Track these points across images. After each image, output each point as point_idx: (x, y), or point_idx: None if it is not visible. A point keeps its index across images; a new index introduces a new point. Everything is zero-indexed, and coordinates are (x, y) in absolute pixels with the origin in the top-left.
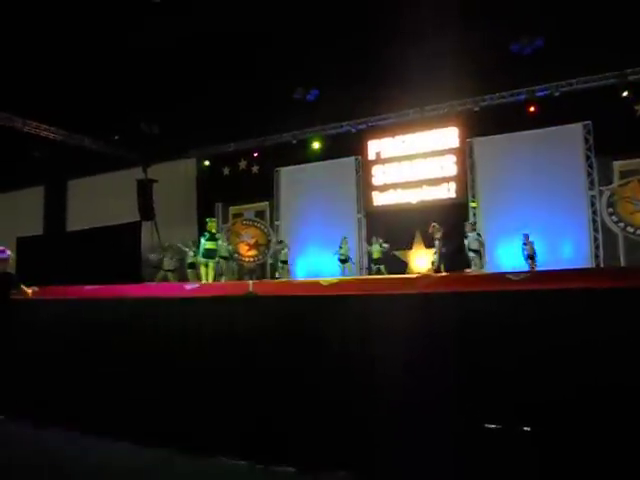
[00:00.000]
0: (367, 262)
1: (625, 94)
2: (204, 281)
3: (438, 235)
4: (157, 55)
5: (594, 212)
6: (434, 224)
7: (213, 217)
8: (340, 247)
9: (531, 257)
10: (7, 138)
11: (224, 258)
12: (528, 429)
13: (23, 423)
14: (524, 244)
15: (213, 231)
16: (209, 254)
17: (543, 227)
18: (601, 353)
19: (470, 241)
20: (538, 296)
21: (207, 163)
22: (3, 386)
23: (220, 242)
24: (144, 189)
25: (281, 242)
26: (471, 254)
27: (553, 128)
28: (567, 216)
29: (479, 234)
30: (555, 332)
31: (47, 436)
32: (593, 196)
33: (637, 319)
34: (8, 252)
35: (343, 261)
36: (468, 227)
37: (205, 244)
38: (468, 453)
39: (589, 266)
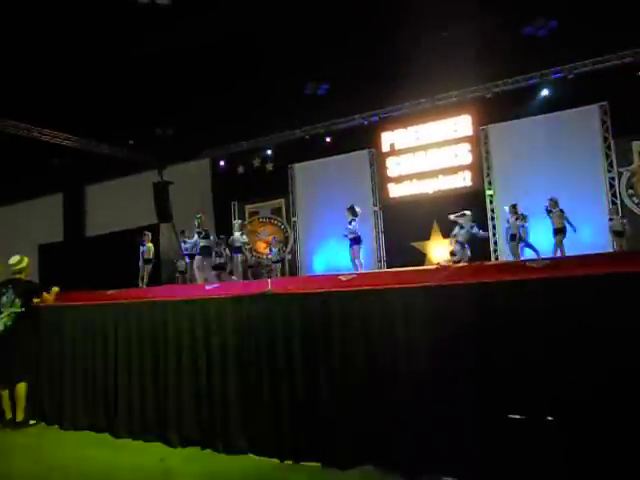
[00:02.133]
0: (384, 255)
1: None
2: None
3: (462, 221)
4: (167, 57)
5: (613, 194)
6: (465, 212)
7: (232, 216)
8: (349, 224)
9: (559, 231)
10: (25, 148)
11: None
12: (551, 419)
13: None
14: (549, 212)
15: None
16: (206, 252)
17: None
18: (627, 340)
19: (512, 225)
20: (559, 283)
21: (222, 163)
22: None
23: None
24: (160, 191)
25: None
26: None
27: (569, 111)
28: (586, 200)
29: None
30: (578, 319)
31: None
32: (612, 178)
33: None
34: (26, 260)
35: (355, 241)
36: (511, 210)
37: (201, 242)
38: (492, 443)
39: (610, 250)
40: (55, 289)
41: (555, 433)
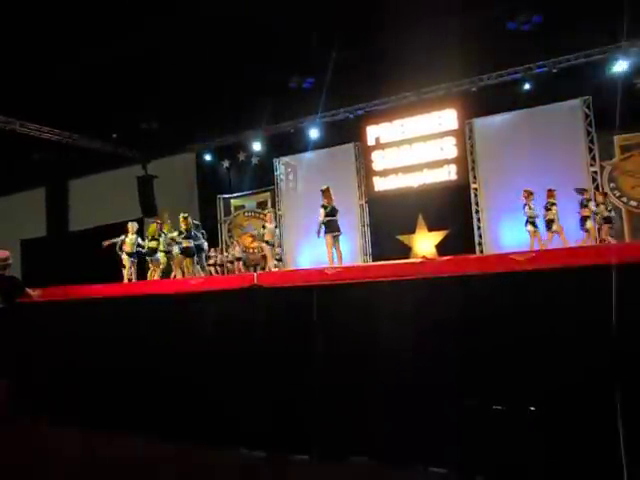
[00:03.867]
0: (370, 248)
1: (623, 67)
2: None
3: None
4: (152, 51)
5: (596, 188)
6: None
7: (218, 210)
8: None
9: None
10: (5, 141)
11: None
12: (533, 409)
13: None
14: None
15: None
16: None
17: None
18: (610, 330)
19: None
20: (544, 276)
21: (207, 157)
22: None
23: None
24: (145, 185)
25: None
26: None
27: (552, 105)
28: (569, 192)
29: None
30: (562, 311)
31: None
32: (595, 172)
33: None
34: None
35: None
36: (600, 198)
37: (183, 242)
38: (475, 434)
39: (593, 243)
40: (38, 292)
41: (536, 423)
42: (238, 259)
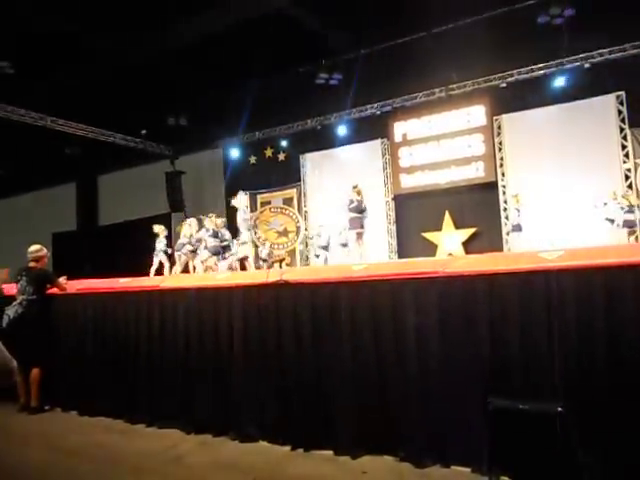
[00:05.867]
0: (396, 245)
1: None
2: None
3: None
4: (182, 49)
5: (629, 186)
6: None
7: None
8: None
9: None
10: (39, 137)
11: None
12: (561, 409)
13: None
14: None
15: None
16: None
17: (576, 203)
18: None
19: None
20: (575, 274)
21: (234, 153)
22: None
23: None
24: (172, 181)
25: (321, 226)
26: None
27: (584, 101)
28: (601, 192)
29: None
30: (591, 309)
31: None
32: (628, 169)
33: None
34: (45, 251)
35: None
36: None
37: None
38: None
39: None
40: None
41: (563, 423)
42: (264, 260)
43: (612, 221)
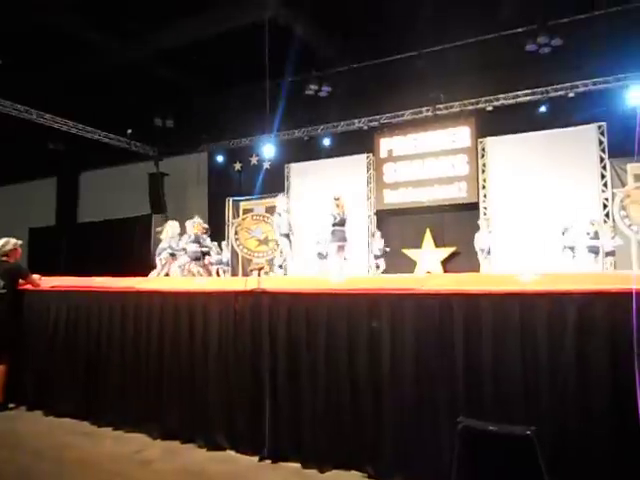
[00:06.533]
0: (373, 260)
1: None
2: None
3: None
4: (174, 52)
5: (606, 215)
6: None
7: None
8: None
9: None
10: (22, 130)
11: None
12: (531, 431)
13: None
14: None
15: None
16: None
17: (554, 229)
18: (612, 359)
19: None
20: (548, 298)
21: (219, 158)
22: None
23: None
24: (155, 183)
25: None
26: None
27: (567, 129)
28: (580, 218)
29: None
30: (565, 336)
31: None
32: (606, 199)
33: None
34: (11, 244)
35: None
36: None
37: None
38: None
39: (601, 270)
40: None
41: (532, 446)
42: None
43: (572, 248)
